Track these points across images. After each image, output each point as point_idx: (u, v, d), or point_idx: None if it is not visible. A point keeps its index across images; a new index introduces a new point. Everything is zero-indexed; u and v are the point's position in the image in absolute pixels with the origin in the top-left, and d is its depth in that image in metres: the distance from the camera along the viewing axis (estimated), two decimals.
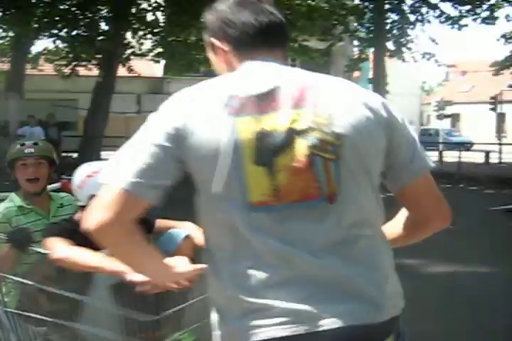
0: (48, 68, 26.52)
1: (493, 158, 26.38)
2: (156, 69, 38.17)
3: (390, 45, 21.31)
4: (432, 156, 2.73)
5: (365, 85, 51.53)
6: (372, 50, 22.77)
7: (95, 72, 22.13)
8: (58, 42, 20.01)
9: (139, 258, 1.51)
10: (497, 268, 6.54)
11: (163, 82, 40.83)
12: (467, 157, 19.25)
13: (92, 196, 2.05)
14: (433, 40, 20.61)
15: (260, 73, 1.54)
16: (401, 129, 1.57)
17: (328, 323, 1.37)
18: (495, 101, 29.16)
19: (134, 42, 20.46)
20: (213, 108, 1.45)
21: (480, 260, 6.89)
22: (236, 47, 1.61)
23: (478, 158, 22.59)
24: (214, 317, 1.49)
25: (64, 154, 22.56)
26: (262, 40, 1.60)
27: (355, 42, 25.63)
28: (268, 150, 1.41)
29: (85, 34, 18.15)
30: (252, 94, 1.47)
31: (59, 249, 2.44)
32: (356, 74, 27.55)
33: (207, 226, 1.52)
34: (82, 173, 2.74)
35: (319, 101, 1.47)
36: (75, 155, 20.18)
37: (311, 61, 28.58)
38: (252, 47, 1.60)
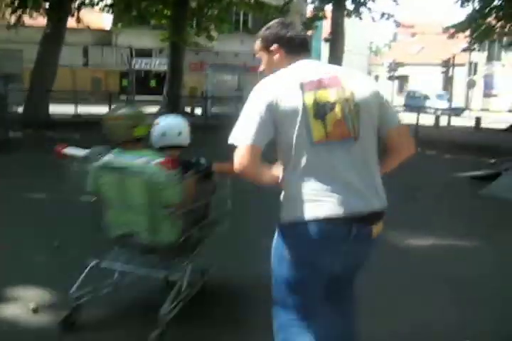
0: None
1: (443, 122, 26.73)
2: (104, 20, 36.65)
3: (348, 3, 20.87)
4: None
5: (318, 44, 51.47)
6: (328, 8, 22.34)
7: (40, 21, 21.02)
8: None
9: (264, 176, 2.60)
10: (473, 240, 6.41)
11: (112, 34, 39.44)
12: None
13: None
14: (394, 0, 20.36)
15: (309, 67, 2.62)
16: (385, 100, 2.64)
17: (360, 208, 2.47)
18: (447, 65, 29.21)
19: None
20: (290, 87, 2.49)
21: (453, 231, 6.76)
22: (286, 52, 2.69)
23: (427, 121, 22.77)
24: (286, 201, 2.56)
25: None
26: (301, 47, 2.70)
27: (310, 0, 25.16)
28: (322, 110, 2.47)
29: None
30: (310, 79, 2.51)
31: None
32: (308, 33, 26.90)
33: (285, 158, 2.55)
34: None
35: (346, 84, 2.53)
36: (20, 109, 19.34)
37: (264, 18, 28.28)
38: (297, 52, 2.68)
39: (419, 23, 57.22)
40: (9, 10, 18.80)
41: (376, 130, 2.59)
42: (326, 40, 21.08)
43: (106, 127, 3.62)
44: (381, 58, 59.06)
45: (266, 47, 2.71)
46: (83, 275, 3.62)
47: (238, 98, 24.33)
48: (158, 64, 39.49)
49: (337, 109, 2.48)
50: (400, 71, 35.29)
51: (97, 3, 23.25)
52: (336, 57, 20.09)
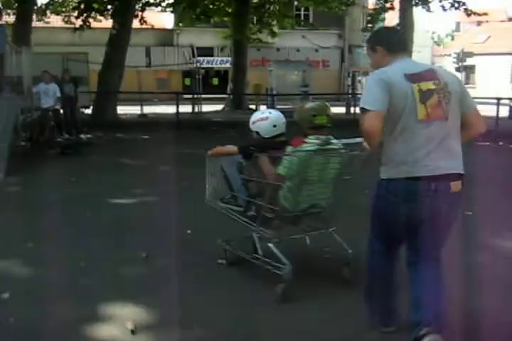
0: (54, 20, 25.51)
1: None
2: (164, 20, 36.79)
3: None
4: None
5: None
6: None
7: (104, 24, 21.10)
8: None
9: (377, 138, 3.19)
10: None
11: (173, 33, 39.59)
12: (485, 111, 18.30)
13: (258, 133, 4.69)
14: None
15: (410, 63, 3.34)
16: (465, 89, 3.40)
17: (443, 170, 3.19)
18: None
19: None
20: (399, 77, 3.16)
21: None
22: (390, 52, 3.32)
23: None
24: (389, 163, 3.26)
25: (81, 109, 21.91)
26: (402, 48, 3.37)
27: None
28: (425, 97, 3.15)
29: None
30: (413, 72, 3.19)
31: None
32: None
33: (390, 129, 3.17)
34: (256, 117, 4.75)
35: (440, 77, 3.24)
36: (88, 111, 19.50)
37: (328, 11, 27.82)
38: (398, 52, 3.31)
39: (483, 10, 55.27)
40: (75, 13, 18.87)
41: (459, 112, 3.29)
42: None
43: (296, 116, 4.39)
44: (444, 49, 57.35)
45: (372, 47, 3.42)
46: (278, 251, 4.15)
47: (303, 94, 24.01)
48: (220, 62, 39.50)
49: (435, 96, 3.20)
50: (468, 61, 33.97)
51: (160, 3, 23.22)
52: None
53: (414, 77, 3.16)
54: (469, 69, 47.30)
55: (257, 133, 4.68)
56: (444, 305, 3.25)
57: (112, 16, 18.18)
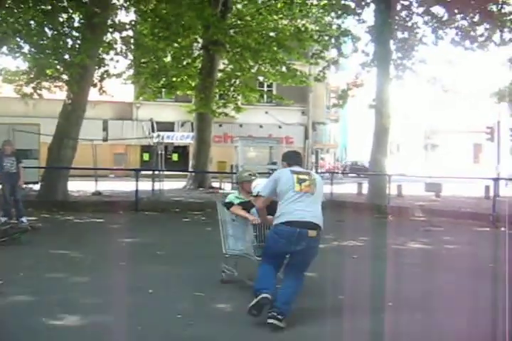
0: (7, 90, 23.75)
1: None
2: (123, 93, 35.29)
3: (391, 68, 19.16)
4: None
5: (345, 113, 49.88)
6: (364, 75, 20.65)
7: (58, 95, 19.48)
8: (19, 60, 16.98)
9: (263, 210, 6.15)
10: None
11: (133, 106, 38.32)
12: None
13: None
14: (449, 62, 18.68)
15: (296, 168, 6.04)
16: (322, 183, 6.11)
17: (303, 219, 5.55)
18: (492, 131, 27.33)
19: (107, 60, 17.84)
20: (287, 173, 5.99)
21: None
22: (289, 164, 6.10)
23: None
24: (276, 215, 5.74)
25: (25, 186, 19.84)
26: (295, 162, 6.13)
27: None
28: (301, 181, 5.72)
29: (52, 45, 15.11)
30: (297, 170, 5.96)
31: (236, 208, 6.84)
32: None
33: (282, 200, 5.68)
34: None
35: (311, 174, 6.00)
36: (37, 186, 17.55)
37: (288, 86, 26.91)
38: (294, 164, 6.08)
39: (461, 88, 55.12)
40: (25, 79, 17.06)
41: (320, 193, 5.86)
42: (371, 106, 19.15)
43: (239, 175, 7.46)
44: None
45: (283, 161, 6.18)
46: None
47: (271, 172, 22.55)
48: (181, 137, 38.22)
49: (307, 182, 5.70)
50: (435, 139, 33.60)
51: (121, 75, 21.82)
52: (381, 125, 18.25)
53: (296, 173, 5.78)
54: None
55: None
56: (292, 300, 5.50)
57: (67, 84, 16.46)
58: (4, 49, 15.49)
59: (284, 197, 5.59)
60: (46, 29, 16.02)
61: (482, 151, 49.23)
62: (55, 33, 15.81)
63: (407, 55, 19.19)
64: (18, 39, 15.35)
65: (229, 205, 6.90)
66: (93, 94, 20.05)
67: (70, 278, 7.03)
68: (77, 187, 20.51)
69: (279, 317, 5.20)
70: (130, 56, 19.78)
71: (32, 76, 16.37)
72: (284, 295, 5.42)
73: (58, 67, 15.76)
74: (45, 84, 18.61)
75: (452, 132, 45.25)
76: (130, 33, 18.58)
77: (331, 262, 8.15)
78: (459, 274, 7.64)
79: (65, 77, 16.54)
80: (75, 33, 16.86)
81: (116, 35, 17.88)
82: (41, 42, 15.16)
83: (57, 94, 19.47)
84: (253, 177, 7.04)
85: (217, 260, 7.02)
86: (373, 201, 17.48)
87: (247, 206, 6.73)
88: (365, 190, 21.84)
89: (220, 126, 35.75)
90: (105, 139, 33.28)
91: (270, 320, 5.18)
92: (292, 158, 6.08)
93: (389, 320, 5.42)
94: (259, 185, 6.28)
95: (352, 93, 21.73)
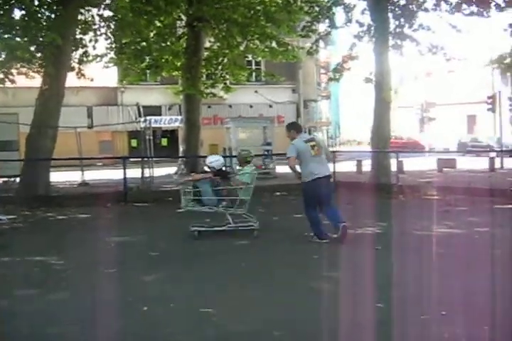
0: None
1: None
2: (107, 78, 33.88)
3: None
4: None
5: (336, 89, 48.49)
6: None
7: (38, 82, 18.12)
8: None
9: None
10: None
11: (117, 91, 36.85)
12: None
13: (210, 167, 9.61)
14: (454, 27, 17.40)
15: (305, 135, 9.54)
16: (325, 143, 10.64)
17: (324, 174, 8.59)
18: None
19: (86, 42, 16.45)
20: (302, 142, 8.83)
21: None
22: (297, 132, 8.97)
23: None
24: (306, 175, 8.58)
25: (5, 179, 18.56)
26: (301, 130, 9.21)
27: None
28: (313, 147, 8.50)
29: (22, 24, 13.54)
30: (307, 138, 8.93)
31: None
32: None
33: (304, 162, 8.52)
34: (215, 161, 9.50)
35: (316, 139, 9.15)
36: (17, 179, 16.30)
37: (277, 63, 25.62)
38: (300, 131, 9.03)
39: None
40: None
41: (324, 150, 8.71)
42: (367, 80, 17.93)
43: (238, 158, 10.00)
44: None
45: (288, 130, 8.78)
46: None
47: (267, 154, 21.37)
48: (169, 121, 36.92)
49: (316, 147, 8.41)
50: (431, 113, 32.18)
51: (102, 57, 20.44)
52: (382, 99, 17.10)
53: (307, 140, 8.50)
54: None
55: (213, 167, 9.37)
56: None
57: (41, 67, 15.01)
58: None
59: (304, 159, 8.39)
60: (15, 8, 14.56)
61: (476, 123, 48.23)
62: (24, 12, 14.32)
63: (407, 22, 17.90)
64: None
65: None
66: (75, 81, 18.80)
67: (45, 295, 5.84)
68: (63, 178, 19.36)
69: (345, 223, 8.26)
70: (111, 37, 18.44)
71: (2, 59, 14.83)
72: (335, 214, 8.40)
73: (31, 48, 14.29)
74: (22, 70, 17.29)
75: (446, 104, 43.97)
76: (108, 11, 17.23)
77: (354, 258, 7.03)
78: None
79: (38, 60, 15.11)
80: (47, 13, 15.45)
81: (94, 12, 16.51)
82: (10, 21, 13.64)
83: (37, 81, 18.10)
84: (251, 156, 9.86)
85: (219, 255, 6.91)
86: (378, 180, 16.42)
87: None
88: (365, 168, 20.90)
89: (209, 107, 34.41)
90: (90, 126, 32.15)
91: (343, 224, 8.19)
92: (298, 127, 9.17)
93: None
94: (218, 161, 9.40)
95: (347, 66, 20.48)
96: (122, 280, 6.25)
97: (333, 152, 16.66)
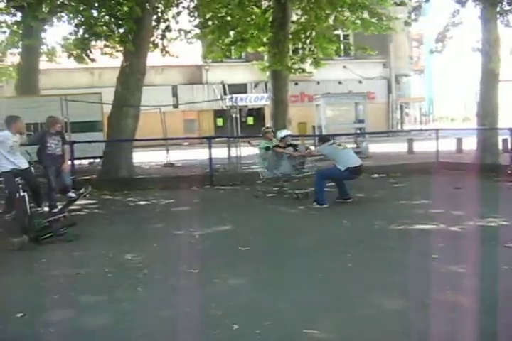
0: (65, 61, 22.08)
1: None
2: (191, 56, 33.17)
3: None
4: None
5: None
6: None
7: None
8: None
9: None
10: None
11: (202, 69, 36.20)
12: None
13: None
14: None
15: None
16: None
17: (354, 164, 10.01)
18: None
19: (167, 15, 15.60)
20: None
21: None
22: None
23: None
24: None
25: (90, 160, 18.17)
26: None
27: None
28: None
29: None
30: None
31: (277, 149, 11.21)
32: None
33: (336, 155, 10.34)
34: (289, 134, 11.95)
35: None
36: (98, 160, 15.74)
37: (366, 36, 24.02)
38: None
39: None
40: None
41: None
42: (474, 49, 16.28)
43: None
44: None
45: (323, 142, 10.80)
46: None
47: (359, 133, 20.08)
48: (255, 99, 36.01)
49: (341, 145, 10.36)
50: None
51: (186, 33, 19.58)
52: (489, 70, 15.45)
53: (332, 143, 10.43)
54: None
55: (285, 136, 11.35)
56: None
57: (121, 42, 14.19)
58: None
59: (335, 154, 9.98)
60: None
61: None
62: None
63: None
64: None
65: (269, 148, 11.26)
66: (159, 60, 18.08)
67: (115, 304, 4.92)
68: (148, 158, 18.89)
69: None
70: (193, 11, 17.55)
71: (79, 36, 14.09)
72: (345, 190, 10.06)
73: (109, 24, 13.51)
74: (106, 50, 16.71)
75: None
76: None
77: (482, 259, 5.72)
78: None
79: (118, 37, 14.32)
80: None
81: None
82: None
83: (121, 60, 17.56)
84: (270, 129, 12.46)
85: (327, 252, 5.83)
86: (484, 160, 14.88)
87: (278, 147, 11.17)
88: (466, 146, 19.30)
89: (296, 84, 33.20)
90: (175, 105, 31.64)
91: (350, 200, 10.02)
92: (328, 139, 10.73)
93: None
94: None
95: (450, 34, 18.72)
96: (207, 284, 5.25)
97: (436, 130, 15.19)
